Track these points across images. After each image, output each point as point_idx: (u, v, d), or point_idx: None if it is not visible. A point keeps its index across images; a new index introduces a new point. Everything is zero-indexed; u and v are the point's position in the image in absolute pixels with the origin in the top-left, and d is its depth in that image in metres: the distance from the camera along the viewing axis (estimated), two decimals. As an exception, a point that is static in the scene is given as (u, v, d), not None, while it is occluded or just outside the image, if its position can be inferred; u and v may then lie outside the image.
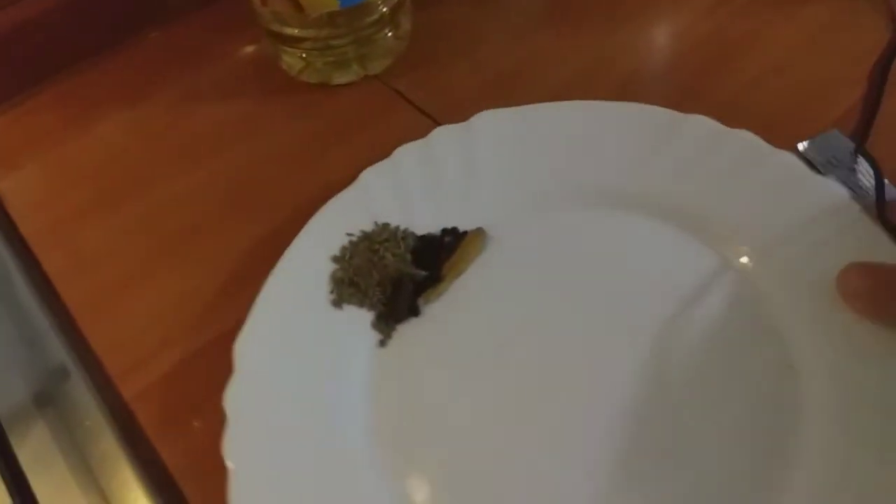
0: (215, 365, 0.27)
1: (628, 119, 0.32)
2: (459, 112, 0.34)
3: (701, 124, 0.32)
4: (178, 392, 0.28)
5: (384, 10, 0.38)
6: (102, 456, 0.27)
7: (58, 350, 0.30)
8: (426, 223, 0.31)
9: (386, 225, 0.31)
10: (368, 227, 0.31)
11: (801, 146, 0.33)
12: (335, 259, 0.30)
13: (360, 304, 0.30)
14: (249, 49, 0.42)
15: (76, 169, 0.38)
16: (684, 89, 0.37)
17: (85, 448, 0.27)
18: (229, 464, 0.24)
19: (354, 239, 0.31)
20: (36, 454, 0.27)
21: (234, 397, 0.26)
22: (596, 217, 0.31)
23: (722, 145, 0.31)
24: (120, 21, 0.43)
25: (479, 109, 0.33)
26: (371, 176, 0.32)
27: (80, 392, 0.29)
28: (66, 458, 0.27)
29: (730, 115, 0.31)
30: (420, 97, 0.38)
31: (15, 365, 0.30)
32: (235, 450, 0.25)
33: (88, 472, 0.27)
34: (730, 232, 0.30)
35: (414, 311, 0.30)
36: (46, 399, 0.29)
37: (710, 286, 0.29)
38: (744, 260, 0.29)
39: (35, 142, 0.40)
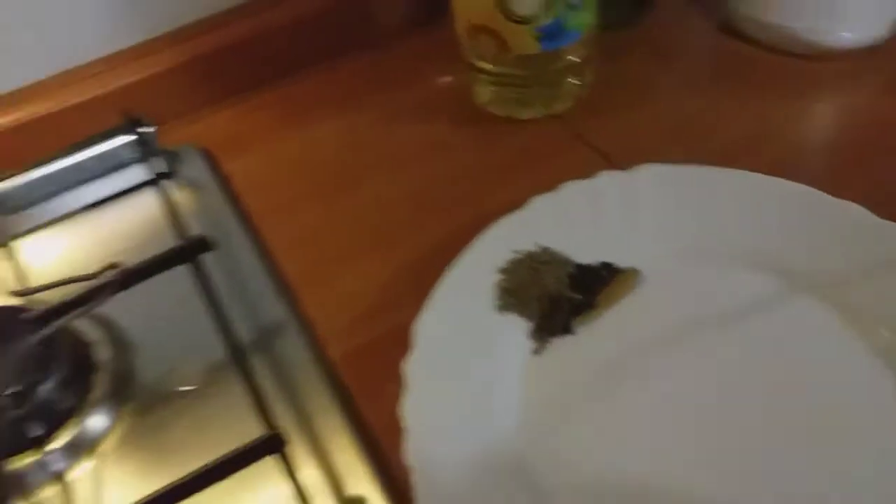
0: (405, 341, 0.31)
1: (781, 195, 0.35)
2: (631, 157, 0.37)
3: (853, 212, 0.33)
4: (374, 359, 0.33)
5: (575, 59, 0.42)
6: (313, 403, 0.32)
7: (276, 309, 0.36)
8: (582, 254, 0.35)
9: (547, 248, 0.35)
10: (531, 248, 0.35)
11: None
12: (502, 270, 0.34)
13: (521, 314, 0.34)
14: (447, 78, 0.48)
15: (293, 161, 0.44)
16: (844, 165, 0.39)
17: (297, 397, 0.32)
18: (405, 422, 0.29)
19: (520, 256, 0.35)
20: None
21: (412, 368, 0.31)
22: (742, 279, 0.34)
23: (874, 235, 0.33)
24: (337, 41, 0.50)
25: (650, 157, 0.37)
26: (538, 203, 0.36)
27: (295, 348, 0.34)
28: (281, 403, 0.32)
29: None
30: (596, 140, 0.42)
31: (240, 317, 0.35)
32: (411, 411, 0.29)
33: (302, 418, 0.31)
34: (876, 317, 0.31)
35: (568, 330, 0.33)
36: (267, 348, 0.34)
37: (849, 368, 0.30)
38: (886, 344, 0.30)
39: (259, 133, 0.46)
